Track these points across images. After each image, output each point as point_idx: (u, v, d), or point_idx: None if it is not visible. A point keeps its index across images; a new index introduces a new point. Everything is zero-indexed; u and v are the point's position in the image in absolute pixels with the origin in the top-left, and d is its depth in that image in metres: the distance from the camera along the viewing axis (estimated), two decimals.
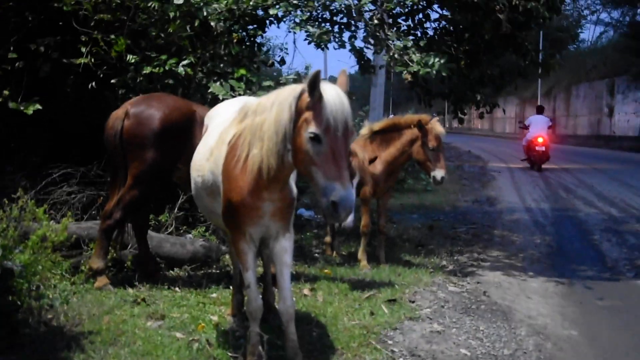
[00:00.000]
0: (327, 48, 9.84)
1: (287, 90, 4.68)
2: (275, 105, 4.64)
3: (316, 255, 9.80)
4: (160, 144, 6.97)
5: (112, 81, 8.92)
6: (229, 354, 5.48)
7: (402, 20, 11.97)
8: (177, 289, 7.27)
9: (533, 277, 9.31)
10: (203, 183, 5.46)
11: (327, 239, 9.97)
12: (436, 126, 8.65)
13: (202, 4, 8.82)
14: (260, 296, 5.44)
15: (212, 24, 8.99)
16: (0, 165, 9.46)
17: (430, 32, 11.70)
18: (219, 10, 9.01)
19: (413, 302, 7.42)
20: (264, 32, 10.67)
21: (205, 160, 5.45)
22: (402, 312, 6.95)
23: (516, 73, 11.78)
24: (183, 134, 7.02)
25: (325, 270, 8.52)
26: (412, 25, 11.90)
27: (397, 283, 8.07)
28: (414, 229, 12.76)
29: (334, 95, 4.41)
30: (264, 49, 12.67)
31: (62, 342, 5.18)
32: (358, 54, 9.86)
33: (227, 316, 6.40)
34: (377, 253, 9.39)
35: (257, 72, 9.54)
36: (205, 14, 8.91)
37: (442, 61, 9.09)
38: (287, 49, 27.66)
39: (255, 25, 9.65)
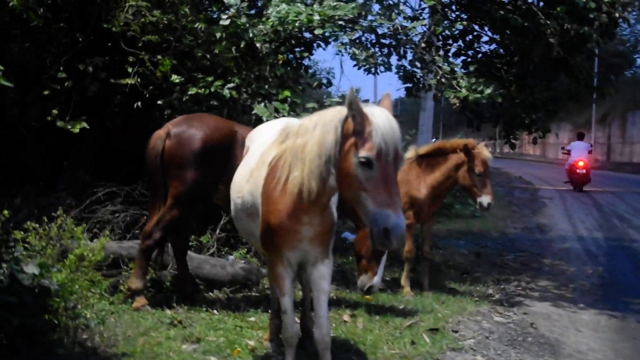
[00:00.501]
0: (376, 72, 9.74)
1: (331, 112, 4.57)
2: (318, 127, 4.52)
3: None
4: (201, 165, 6.92)
5: (159, 102, 8.94)
6: None
7: (451, 43, 11.84)
8: (215, 311, 7.16)
9: (584, 309, 8.95)
10: (242, 204, 5.37)
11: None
12: (483, 151, 8.45)
13: (247, 25, 8.83)
14: (298, 322, 5.29)
15: (258, 45, 8.98)
16: (50, 182, 9.53)
17: (479, 56, 11.52)
18: (265, 32, 9.00)
19: (456, 332, 7.20)
20: (311, 54, 10.61)
21: (245, 181, 5.36)
22: (444, 342, 6.74)
23: (568, 97, 11.50)
24: (224, 155, 6.96)
25: (367, 297, 8.32)
26: (462, 47, 11.75)
27: (440, 311, 7.86)
28: (460, 255, 12.51)
29: (384, 119, 4.28)
30: (311, 71, 12.57)
31: None
32: (404, 77, 9.72)
33: (264, 341, 6.27)
34: (420, 279, 9.18)
35: (301, 93, 9.46)
36: (251, 35, 8.91)
37: (491, 88, 8.92)
38: (333, 72, 27.67)
39: (302, 48, 9.55)
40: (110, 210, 8.84)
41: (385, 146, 4.20)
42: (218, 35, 8.84)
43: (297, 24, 8.93)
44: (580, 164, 25.94)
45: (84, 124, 8.59)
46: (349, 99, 4.27)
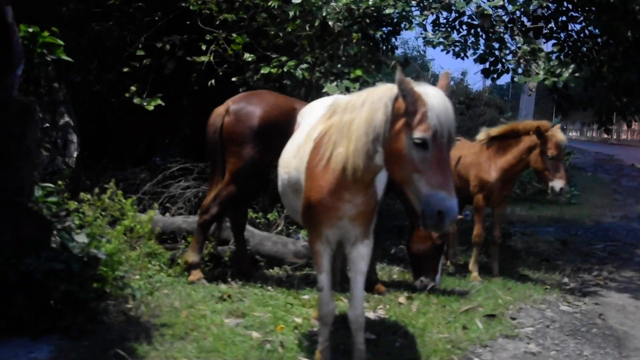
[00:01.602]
0: (458, 54, 9.54)
1: (381, 90, 4.45)
2: (367, 104, 4.42)
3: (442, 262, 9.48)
4: (259, 141, 6.98)
5: (233, 79, 9.06)
6: (300, 357, 5.34)
7: (543, 24, 11.43)
8: (269, 287, 7.24)
9: None
10: (289, 180, 5.34)
11: (455, 246, 9.65)
12: (557, 134, 8.11)
13: (321, 3, 8.79)
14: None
15: (330, 23, 8.93)
16: (126, 159, 9.86)
17: (569, 38, 11.06)
18: (338, 10, 8.93)
19: (514, 319, 6.97)
20: (398, 34, 10.47)
21: (293, 157, 5.33)
22: (498, 328, 6.54)
23: None
24: (282, 132, 6.94)
25: None
26: (554, 28, 11.33)
27: (502, 297, 7.63)
28: (545, 242, 12.12)
29: (439, 100, 4.15)
30: (400, 51, 12.40)
31: (133, 332, 5.25)
32: (480, 58, 9.43)
33: (311, 319, 6.27)
34: (490, 265, 8.96)
35: (375, 73, 9.33)
36: (324, 13, 8.88)
37: (569, 71, 8.55)
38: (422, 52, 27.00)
39: (375, 26, 9.40)
40: (183, 185, 9.05)
41: (440, 127, 4.08)
42: (291, 13, 8.86)
43: (370, 2, 8.84)
44: None
45: (159, 101, 8.83)
46: (398, 78, 4.16)
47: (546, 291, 8.23)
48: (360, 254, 4.97)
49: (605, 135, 68.27)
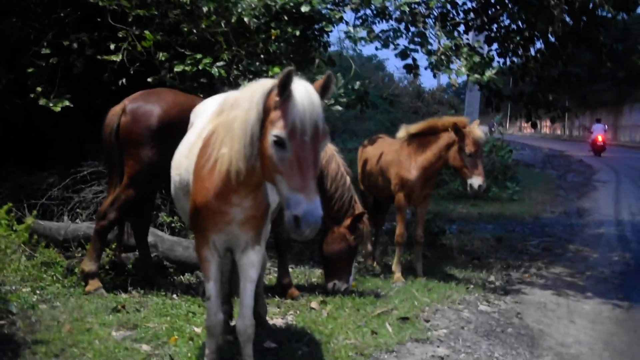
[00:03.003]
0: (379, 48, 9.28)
1: (257, 85, 4.15)
2: (244, 101, 4.10)
3: (355, 264, 9.26)
4: (158, 142, 6.63)
5: (149, 80, 8.70)
6: None
7: (473, 17, 11.31)
8: (174, 295, 6.91)
9: (590, 298, 8.41)
10: (180, 182, 5.00)
11: (368, 247, 9.40)
12: (474, 130, 7.93)
13: None
14: (221, 311, 4.93)
15: (246, 19, 8.62)
16: (34, 163, 9.43)
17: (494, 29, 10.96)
18: (254, 6, 8.63)
19: (428, 321, 6.75)
20: (324, 31, 10.19)
21: (184, 157, 4.98)
22: (409, 332, 6.30)
23: (590, 73, 10.83)
24: (183, 132, 6.61)
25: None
26: (485, 21, 11.20)
27: (419, 299, 7.42)
28: (481, 240, 12.02)
29: (303, 94, 3.84)
30: (330, 49, 12.12)
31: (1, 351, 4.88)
32: (401, 54, 9.19)
33: None
34: (414, 265, 8.75)
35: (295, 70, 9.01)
36: (239, 9, 8.58)
37: (493, 69, 8.39)
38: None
39: (293, 23, 9.09)
40: (95, 190, 8.67)
41: (300, 124, 3.78)
42: (205, 9, 8.52)
43: None
44: (599, 138, 38.46)
45: (67, 102, 8.42)
46: (283, 72, 3.86)
47: (468, 291, 8.05)
48: (251, 261, 4.66)
49: (558, 132, 69.59)
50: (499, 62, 11.05)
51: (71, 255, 7.41)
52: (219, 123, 4.38)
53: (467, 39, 11.02)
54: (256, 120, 3.98)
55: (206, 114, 5.20)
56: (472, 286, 8.29)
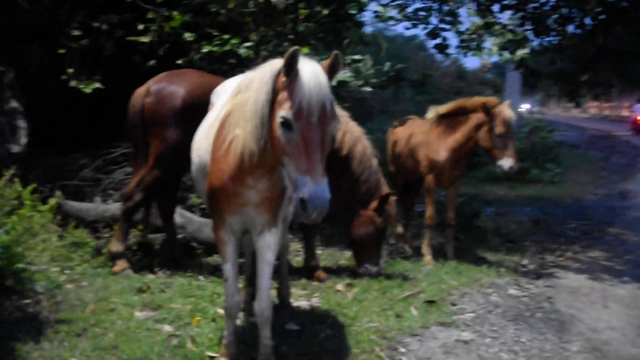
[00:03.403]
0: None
1: (267, 66, 4.08)
2: (256, 81, 4.06)
3: (386, 247, 9.18)
4: (182, 123, 6.61)
5: (178, 62, 8.70)
6: (208, 353, 5.02)
7: None
8: (200, 277, 6.91)
9: (627, 282, 8.17)
10: (199, 164, 4.95)
11: (399, 229, 9.31)
12: (504, 110, 7.76)
13: None
14: (241, 292, 4.93)
15: (273, 0, 8.55)
16: (66, 145, 9.52)
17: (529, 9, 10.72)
18: None
19: (455, 305, 6.65)
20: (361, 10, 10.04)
21: (203, 139, 4.95)
22: (434, 315, 6.23)
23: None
24: (206, 113, 6.62)
25: None
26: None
27: (447, 282, 7.32)
28: (517, 223, 11.84)
29: (310, 75, 3.78)
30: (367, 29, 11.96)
31: (24, 330, 4.92)
32: (431, 33, 9.04)
33: None
34: (444, 248, 8.63)
35: (325, 50, 8.91)
36: None
37: (525, 48, 8.19)
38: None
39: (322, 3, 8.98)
40: (127, 171, 8.72)
41: (307, 105, 3.72)
42: None
43: None
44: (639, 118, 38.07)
45: (97, 84, 8.48)
46: (288, 52, 3.81)
47: (498, 274, 7.92)
48: (267, 243, 4.60)
49: (607, 112, 68.02)
50: (532, 41, 10.85)
51: (100, 235, 7.46)
52: (235, 104, 4.35)
53: (501, 18, 10.80)
54: (265, 102, 3.93)
55: (225, 95, 5.16)
56: (503, 269, 8.15)
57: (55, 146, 9.33)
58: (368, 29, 22.79)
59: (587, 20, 10.33)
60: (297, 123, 3.72)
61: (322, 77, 3.81)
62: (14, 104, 10.08)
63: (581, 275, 8.36)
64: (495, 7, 10.97)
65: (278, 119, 3.79)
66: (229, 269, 4.69)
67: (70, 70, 8.55)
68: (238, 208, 4.46)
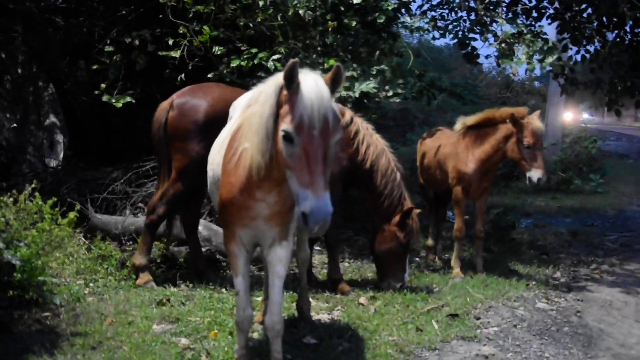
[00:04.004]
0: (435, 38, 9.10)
1: (272, 80, 4.09)
2: (263, 95, 4.08)
3: (416, 259, 9.12)
4: (204, 136, 6.65)
5: (209, 75, 8.81)
6: None
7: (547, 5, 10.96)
8: (223, 289, 6.94)
9: None
10: (213, 177, 4.98)
11: (429, 242, 9.24)
12: (533, 121, 7.64)
13: None
14: (250, 306, 4.90)
15: (301, 12, 8.60)
16: (98, 158, 9.70)
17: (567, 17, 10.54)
18: None
19: (479, 318, 6.54)
20: (395, 20, 10.00)
21: (217, 152, 4.99)
22: (456, 329, 6.11)
23: None
24: None
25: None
26: (558, 9, 10.83)
27: (472, 295, 7.20)
28: (555, 234, 11.67)
29: (312, 87, 3.78)
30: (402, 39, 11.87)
31: (40, 342, 4.98)
32: (460, 43, 8.96)
33: (255, 322, 5.95)
34: (474, 260, 8.51)
35: (351, 62, 8.89)
36: (295, 2, 8.56)
37: (554, 55, 8.07)
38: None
39: (349, 14, 8.96)
40: (157, 185, 8.81)
41: (308, 118, 3.72)
42: (261, 3, 8.55)
43: None
44: None
45: (128, 98, 8.63)
46: (287, 65, 3.83)
47: (527, 287, 7.77)
48: (278, 257, 4.59)
49: None
50: (570, 49, 10.71)
51: (125, 248, 7.56)
52: (244, 118, 4.37)
53: (539, 25, 10.64)
54: (270, 115, 3.93)
55: (240, 108, 5.19)
56: (533, 282, 7.99)
57: (89, 160, 9.50)
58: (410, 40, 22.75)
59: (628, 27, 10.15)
60: (298, 136, 3.72)
61: (324, 89, 3.80)
62: (53, 119, 10.35)
63: (615, 288, 8.17)
64: (533, 15, 10.88)
65: (280, 133, 3.79)
66: (240, 282, 4.68)
67: (103, 85, 8.71)
68: (248, 221, 4.45)
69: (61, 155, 10.42)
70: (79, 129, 9.48)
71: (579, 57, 11.19)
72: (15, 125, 9.43)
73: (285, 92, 3.85)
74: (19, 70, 9.46)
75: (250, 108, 4.30)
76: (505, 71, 36.63)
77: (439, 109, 26.22)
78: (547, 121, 22.05)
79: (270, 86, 4.02)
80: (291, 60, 3.77)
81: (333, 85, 3.91)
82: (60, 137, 10.52)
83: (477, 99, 27.21)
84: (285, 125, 3.76)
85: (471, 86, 28.54)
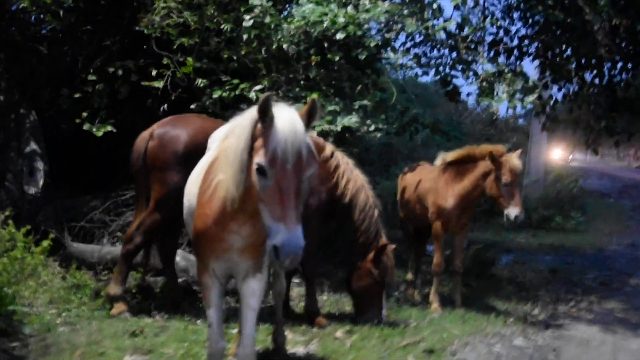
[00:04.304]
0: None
1: (248, 113, 4.09)
2: (238, 127, 4.09)
3: (395, 294, 9.09)
4: (184, 167, 6.61)
5: (191, 106, 8.83)
6: None
7: (527, 43, 11.12)
8: (198, 321, 6.88)
9: None
10: (189, 208, 4.95)
11: (409, 276, 9.23)
12: (512, 159, 7.69)
13: (272, 26, 8.54)
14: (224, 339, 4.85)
15: (284, 46, 8.65)
16: (78, 186, 9.66)
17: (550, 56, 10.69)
18: (292, 33, 8.65)
19: (455, 354, 6.52)
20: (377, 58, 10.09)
21: (193, 184, 4.97)
22: None
23: None
24: None
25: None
26: (539, 47, 10.98)
27: (450, 331, 7.18)
28: (535, 271, 11.66)
29: (286, 121, 3.80)
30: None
31: None
32: (442, 81, 9.05)
33: (229, 355, 5.89)
34: (452, 296, 8.51)
35: (334, 96, 8.94)
36: (279, 36, 8.62)
37: (534, 95, 8.17)
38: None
39: (332, 49, 9.03)
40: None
41: (282, 152, 3.73)
42: (245, 36, 8.61)
43: (324, 25, 8.53)
44: None
45: (109, 127, 8.61)
46: (261, 98, 3.85)
47: (505, 324, 7.76)
48: (252, 290, 4.56)
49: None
50: (550, 88, 10.84)
51: (100, 278, 7.50)
52: (220, 149, 4.38)
53: (519, 65, 10.78)
54: (244, 148, 3.92)
55: (218, 140, 5.19)
56: (512, 319, 7.99)
57: (69, 188, 9.45)
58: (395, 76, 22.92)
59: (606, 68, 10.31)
60: (271, 170, 3.72)
61: (298, 123, 3.81)
62: (33, 146, 10.31)
63: (593, 326, 8.15)
64: (515, 54, 11.02)
65: (254, 166, 3.79)
66: (213, 313, 4.63)
67: (85, 114, 8.70)
68: (221, 253, 4.43)
69: (41, 182, 10.34)
70: (59, 156, 9.43)
71: (560, 96, 11.36)
72: (12, 153, 9.39)
73: (259, 125, 3.86)
74: (1, 98, 9.42)
75: (227, 140, 4.30)
76: (489, 109, 37.01)
77: (424, 144, 26.40)
78: (530, 158, 22.21)
79: (246, 119, 4.02)
80: (264, 94, 3.80)
81: (309, 118, 3.93)
82: (40, 165, 10.45)
83: (461, 135, 27.37)
84: (259, 158, 3.76)
85: (455, 123, 28.75)
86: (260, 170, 3.75)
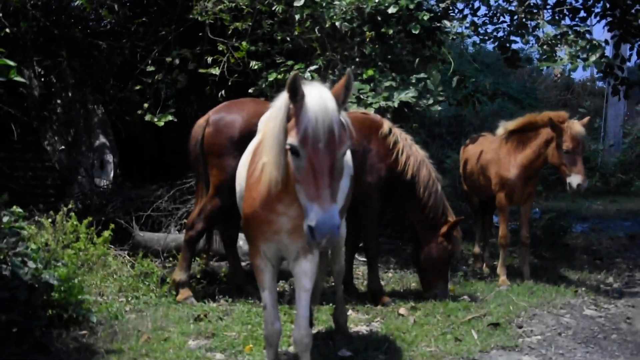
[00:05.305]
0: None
1: (283, 94, 4.06)
2: (275, 109, 4.08)
3: (463, 267, 8.98)
4: (240, 152, 6.60)
5: (250, 90, 8.89)
6: None
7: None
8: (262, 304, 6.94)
9: None
10: (240, 192, 4.96)
11: (476, 249, 9.10)
12: (573, 125, 7.44)
13: (325, 4, 8.49)
14: (279, 320, 4.88)
15: (337, 24, 8.60)
16: (144, 176, 9.86)
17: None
18: (344, 10, 8.59)
19: (521, 327, 6.40)
20: (437, 30, 9.92)
21: (243, 167, 4.98)
22: (497, 339, 5.99)
23: None
24: None
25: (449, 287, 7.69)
26: (607, 7, 10.58)
27: (516, 303, 7.05)
28: (612, 239, 11.36)
29: (315, 99, 3.76)
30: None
31: None
32: (501, 47, 8.82)
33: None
34: (520, 267, 8.34)
35: (390, 71, 8.82)
36: (331, 14, 8.58)
37: (597, 54, 7.88)
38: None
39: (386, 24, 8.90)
40: None
41: (312, 131, 3.70)
42: (297, 17, 8.60)
43: (376, 0, 8.44)
44: None
45: (170, 117, 8.77)
46: (289, 77, 3.84)
47: (576, 294, 7.57)
48: (303, 270, 4.53)
49: None
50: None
51: (166, 265, 7.66)
52: (264, 132, 4.38)
53: (584, 25, 10.41)
54: (281, 129, 3.92)
55: (264, 122, 5.20)
56: (583, 289, 7.79)
57: (138, 178, 9.68)
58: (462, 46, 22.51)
59: None
60: (303, 150, 3.70)
61: (330, 101, 3.78)
62: (103, 139, 10.58)
63: None
64: (581, 15, 10.65)
65: (287, 146, 3.79)
66: (267, 296, 4.67)
67: (146, 105, 8.87)
68: (271, 235, 4.44)
69: (111, 174, 10.62)
70: (126, 148, 9.66)
71: (634, 54, 10.94)
72: (62, 147, 9.67)
73: (294, 104, 3.85)
74: (70, 94, 9.69)
75: (268, 123, 4.31)
76: (565, 73, 35.94)
77: (496, 114, 25.88)
78: (607, 121, 21.53)
79: (281, 100, 4.02)
80: (292, 73, 3.77)
81: (345, 93, 3.90)
82: (110, 157, 10.72)
83: (535, 102, 26.74)
84: (291, 139, 3.75)
85: (529, 89, 28.03)
86: (293, 151, 3.73)
